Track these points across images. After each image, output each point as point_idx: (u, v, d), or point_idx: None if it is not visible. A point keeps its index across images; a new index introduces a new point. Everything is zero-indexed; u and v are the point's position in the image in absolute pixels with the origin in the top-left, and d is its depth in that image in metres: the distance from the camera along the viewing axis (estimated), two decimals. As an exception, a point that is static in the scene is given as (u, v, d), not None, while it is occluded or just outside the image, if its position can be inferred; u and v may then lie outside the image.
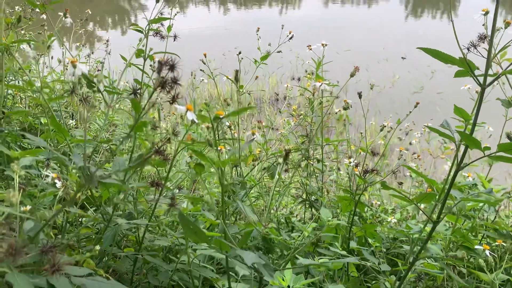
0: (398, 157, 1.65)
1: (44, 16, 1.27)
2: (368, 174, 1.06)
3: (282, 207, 1.97)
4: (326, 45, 1.68)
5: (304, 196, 1.76)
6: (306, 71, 2.21)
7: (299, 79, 1.98)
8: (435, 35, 7.80)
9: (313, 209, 1.80)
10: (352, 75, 1.11)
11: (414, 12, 11.01)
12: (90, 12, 2.54)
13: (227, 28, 9.48)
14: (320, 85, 1.13)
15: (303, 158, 1.74)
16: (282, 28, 1.61)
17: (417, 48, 0.79)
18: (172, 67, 0.66)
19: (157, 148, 0.75)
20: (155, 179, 0.80)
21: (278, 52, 1.56)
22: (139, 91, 0.73)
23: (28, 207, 0.69)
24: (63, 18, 1.23)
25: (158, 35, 1.42)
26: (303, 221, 1.86)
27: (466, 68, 0.68)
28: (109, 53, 2.44)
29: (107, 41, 2.47)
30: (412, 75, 5.66)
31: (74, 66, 0.75)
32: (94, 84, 0.92)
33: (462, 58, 0.67)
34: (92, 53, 2.46)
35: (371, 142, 1.69)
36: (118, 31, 11.07)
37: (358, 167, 1.25)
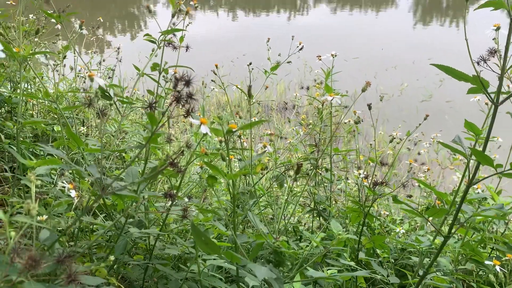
0: (408, 169, 1.65)
1: (59, 26, 1.30)
2: (377, 186, 1.07)
3: (289, 215, 1.97)
4: (335, 55, 1.69)
5: (312, 205, 1.77)
6: (315, 80, 2.22)
7: (307, 88, 1.99)
8: (443, 43, 7.79)
9: (321, 218, 1.80)
10: (363, 90, 1.12)
11: (423, 20, 11.00)
12: (101, 20, 2.57)
13: (236, 34, 9.53)
14: (332, 99, 1.13)
15: (312, 168, 1.74)
16: (292, 39, 1.62)
17: (431, 64, 0.80)
18: (187, 83, 0.68)
19: (171, 160, 0.76)
20: (167, 190, 0.81)
21: (288, 62, 1.57)
22: (154, 104, 0.74)
23: (45, 217, 0.70)
24: (79, 30, 1.26)
25: (170, 45, 1.45)
26: (311, 230, 1.86)
27: (479, 85, 0.68)
28: (120, 61, 2.47)
29: (118, 48, 2.49)
30: (420, 83, 5.65)
31: (92, 80, 0.76)
32: (110, 96, 0.93)
33: (475, 76, 0.68)
34: (104, 60, 2.49)
35: (380, 152, 1.69)
36: (127, 36, 11.17)
37: (368, 179, 1.25)
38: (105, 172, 1.14)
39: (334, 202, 1.81)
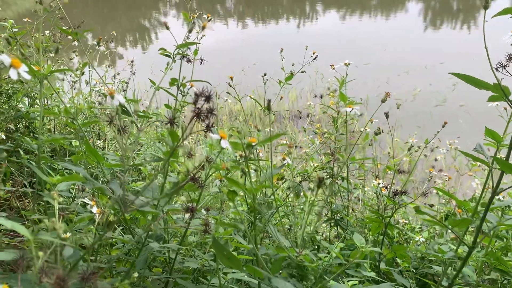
0: (428, 179, 1.63)
1: (75, 42, 1.32)
2: (397, 196, 1.06)
3: (305, 225, 1.95)
4: (349, 64, 1.69)
5: (329, 215, 1.75)
6: (328, 88, 2.22)
7: (321, 97, 1.99)
8: (455, 47, 7.72)
9: (338, 228, 1.78)
10: (383, 101, 1.12)
11: (433, 24, 10.93)
12: (115, 34, 2.61)
13: (246, 43, 9.58)
14: (351, 111, 1.13)
15: (328, 176, 1.73)
16: (306, 49, 1.62)
17: (449, 73, 0.79)
18: (208, 98, 0.68)
19: (193, 175, 0.76)
20: (187, 203, 0.81)
21: (302, 72, 1.57)
22: (175, 120, 0.75)
23: (69, 234, 0.71)
24: (97, 47, 1.28)
25: (185, 58, 1.46)
26: (328, 239, 1.85)
27: (500, 93, 0.67)
28: (134, 74, 2.50)
29: (132, 61, 2.53)
30: (433, 87, 5.60)
31: (112, 97, 0.77)
32: (129, 112, 0.94)
33: (496, 84, 0.67)
34: (118, 74, 2.52)
35: (397, 160, 1.67)
36: (138, 48, 11.31)
37: (387, 188, 1.24)
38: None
39: (351, 211, 1.80)
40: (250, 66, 6.75)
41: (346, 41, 8.61)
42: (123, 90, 2.48)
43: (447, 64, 6.27)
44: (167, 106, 1.19)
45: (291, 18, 12.78)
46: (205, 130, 0.75)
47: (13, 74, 0.56)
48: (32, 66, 1.05)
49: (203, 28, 1.06)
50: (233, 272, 0.96)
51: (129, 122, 0.78)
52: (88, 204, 0.79)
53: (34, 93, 2.04)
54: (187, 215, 0.83)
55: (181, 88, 1.17)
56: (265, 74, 1.55)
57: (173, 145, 0.71)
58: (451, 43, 8.04)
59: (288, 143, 1.43)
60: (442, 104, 5.19)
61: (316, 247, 1.70)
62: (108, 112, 0.74)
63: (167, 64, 1.57)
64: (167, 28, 1.11)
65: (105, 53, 2.73)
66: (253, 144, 0.76)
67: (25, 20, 2.26)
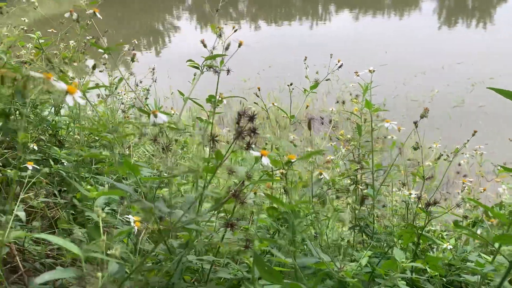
0: (461, 189, 1.62)
1: (105, 55, 1.35)
2: (430, 207, 1.06)
3: (329, 231, 1.96)
4: (373, 71, 1.69)
5: (354, 222, 1.75)
6: (350, 94, 2.22)
7: (343, 102, 1.99)
8: (471, 46, 7.63)
9: (363, 235, 1.78)
10: (422, 117, 1.12)
11: (448, 23, 10.81)
12: (136, 42, 2.64)
13: (259, 45, 9.59)
14: (388, 126, 1.13)
15: (352, 183, 1.73)
16: (331, 57, 1.63)
17: (488, 88, 0.79)
18: (251, 119, 0.70)
19: (234, 192, 0.78)
20: (227, 219, 0.82)
21: (327, 80, 1.57)
22: (216, 138, 0.77)
23: (116, 251, 0.72)
24: (132, 62, 1.31)
25: (211, 69, 1.48)
26: (352, 246, 1.85)
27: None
28: (155, 81, 2.53)
29: (153, 69, 2.56)
30: (451, 88, 5.54)
31: (155, 116, 0.79)
32: (178, 128, 0.96)
33: (540, 101, 0.67)
34: (141, 82, 2.56)
35: (425, 167, 1.67)
36: (152, 52, 11.41)
37: (419, 199, 1.23)
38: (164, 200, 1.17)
39: (376, 217, 1.79)
40: (266, 68, 6.76)
41: (360, 41, 8.57)
42: (146, 98, 2.51)
43: (465, 64, 6.20)
44: (199, 119, 1.21)
45: (304, 19, 12.75)
46: (246, 148, 0.76)
47: (69, 100, 0.58)
48: (67, 80, 1.08)
49: (240, 45, 1.08)
50: (269, 285, 0.97)
51: (171, 139, 0.80)
52: (131, 220, 0.81)
53: (60, 102, 2.08)
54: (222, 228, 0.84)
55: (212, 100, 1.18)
56: (291, 84, 1.56)
57: (218, 163, 0.73)
58: (467, 42, 7.94)
59: (328, 162, 1.43)
60: (461, 105, 5.13)
61: (341, 254, 1.70)
62: (149, 131, 0.76)
63: (194, 75, 1.59)
64: (205, 46, 1.13)
65: (128, 61, 2.77)
66: (292, 161, 0.77)
67: (50, 30, 2.31)
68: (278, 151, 0.78)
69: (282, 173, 0.75)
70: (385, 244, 1.45)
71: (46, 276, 0.64)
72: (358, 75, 1.73)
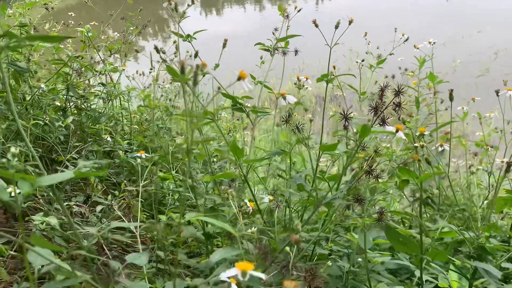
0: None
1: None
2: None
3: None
4: (434, 42, 1.69)
5: (417, 195, 1.77)
6: (399, 68, 2.22)
7: (393, 77, 1.99)
8: (488, 13, 7.49)
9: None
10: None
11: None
12: (149, 21, 2.59)
13: (267, 26, 9.48)
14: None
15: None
16: (395, 31, 1.62)
17: None
18: (397, 93, 0.71)
19: (369, 167, 0.79)
20: (356, 195, 0.84)
21: (391, 54, 1.58)
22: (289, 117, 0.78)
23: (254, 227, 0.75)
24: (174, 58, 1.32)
25: (279, 51, 1.49)
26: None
27: None
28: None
29: (173, 58, 2.55)
30: (474, 57, 5.48)
31: (284, 98, 0.81)
32: (243, 109, 0.97)
33: None
34: (151, 69, 2.53)
35: (484, 136, 1.67)
36: (159, 40, 11.34)
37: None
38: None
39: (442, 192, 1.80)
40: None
41: (373, 12, 8.43)
42: (170, 83, 2.51)
43: (485, 33, 6.11)
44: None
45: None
46: (381, 124, 0.78)
47: (244, 85, 0.60)
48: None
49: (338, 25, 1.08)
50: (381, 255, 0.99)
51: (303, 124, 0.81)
52: (264, 198, 0.84)
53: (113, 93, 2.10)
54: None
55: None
56: (363, 60, 1.57)
57: (359, 141, 0.74)
58: (485, 10, 7.79)
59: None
60: (485, 74, 5.08)
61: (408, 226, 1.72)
62: (284, 114, 0.78)
63: (261, 58, 1.60)
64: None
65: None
66: (425, 133, 0.78)
67: (92, 23, 2.30)
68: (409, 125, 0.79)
69: (421, 145, 0.77)
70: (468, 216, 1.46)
71: (217, 255, 0.66)
72: (417, 48, 1.73)
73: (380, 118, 0.76)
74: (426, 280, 1.04)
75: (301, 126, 0.79)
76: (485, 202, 1.38)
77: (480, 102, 2.09)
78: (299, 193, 0.86)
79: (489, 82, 4.91)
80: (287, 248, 0.60)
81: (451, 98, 1.39)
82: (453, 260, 0.83)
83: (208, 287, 0.60)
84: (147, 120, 2.19)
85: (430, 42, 1.71)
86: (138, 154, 1.00)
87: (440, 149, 0.92)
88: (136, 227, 1.01)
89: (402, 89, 0.70)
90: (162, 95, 2.45)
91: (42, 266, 0.62)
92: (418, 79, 1.84)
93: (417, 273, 0.89)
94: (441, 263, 0.91)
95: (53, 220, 1.01)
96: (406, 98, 0.67)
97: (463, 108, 1.70)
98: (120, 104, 2.23)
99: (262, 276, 0.45)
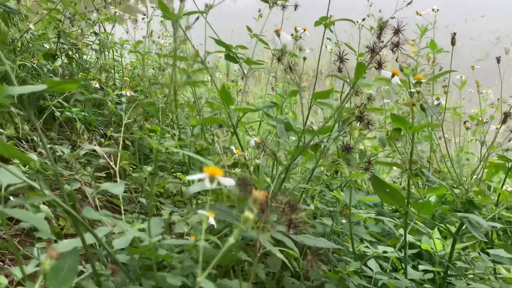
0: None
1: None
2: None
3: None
4: (437, 10, 1.66)
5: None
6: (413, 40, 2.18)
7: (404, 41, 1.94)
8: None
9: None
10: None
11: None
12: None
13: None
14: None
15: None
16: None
17: None
18: (397, 31, 0.67)
19: (360, 113, 0.76)
20: (346, 144, 0.82)
21: (392, 18, 1.53)
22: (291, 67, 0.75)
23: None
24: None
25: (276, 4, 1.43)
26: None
27: None
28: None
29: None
30: (475, 42, 5.42)
31: (278, 35, 0.77)
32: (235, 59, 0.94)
33: None
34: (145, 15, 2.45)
35: (481, 110, 1.65)
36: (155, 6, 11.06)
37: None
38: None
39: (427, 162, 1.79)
40: (289, 16, 6.56)
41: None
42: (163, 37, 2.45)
43: (488, 17, 6.03)
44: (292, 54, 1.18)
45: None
46: (377, 68, 0.74)
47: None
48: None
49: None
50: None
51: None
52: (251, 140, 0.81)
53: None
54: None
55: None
56: (363, 19, 1.52)
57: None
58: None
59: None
60: (484, 59, 5.04)
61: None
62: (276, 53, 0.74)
63: (259, 11, 1.55)
64: None
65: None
66: (422, 81, 0.75)
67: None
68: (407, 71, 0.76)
69: (417, 91, 0.74)
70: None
71: (196, 187, 0.64)
72: (420, 15, 1.69)
73: (376, 60, 0.72)
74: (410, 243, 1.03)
75: (294, 65, 0.75)
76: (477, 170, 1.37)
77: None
78: (286, 136, 0.83)
79: (487, 67, 4.88)
80: (268, 180, 0.58)
81: (453, 42, 1.35)
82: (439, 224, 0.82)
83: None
84: (139, 76, 2.14)
85: (433, 9, 1.67)
86: (124, 92, 0.96)
87: (436, 102, 0.89)
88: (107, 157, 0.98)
89: (402, 28, 0.66)
90: (156, 52, 2.39)
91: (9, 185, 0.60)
92: (418, 48, 1.80)
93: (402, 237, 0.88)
94: (427, 220, 0.89)
95: (34, 156, 0.98)
96: (406, 38, 0.63)
97: (461, 77, 1.67)
98: (113, 57, 2.17)
99: (232, 182, 0.43)
